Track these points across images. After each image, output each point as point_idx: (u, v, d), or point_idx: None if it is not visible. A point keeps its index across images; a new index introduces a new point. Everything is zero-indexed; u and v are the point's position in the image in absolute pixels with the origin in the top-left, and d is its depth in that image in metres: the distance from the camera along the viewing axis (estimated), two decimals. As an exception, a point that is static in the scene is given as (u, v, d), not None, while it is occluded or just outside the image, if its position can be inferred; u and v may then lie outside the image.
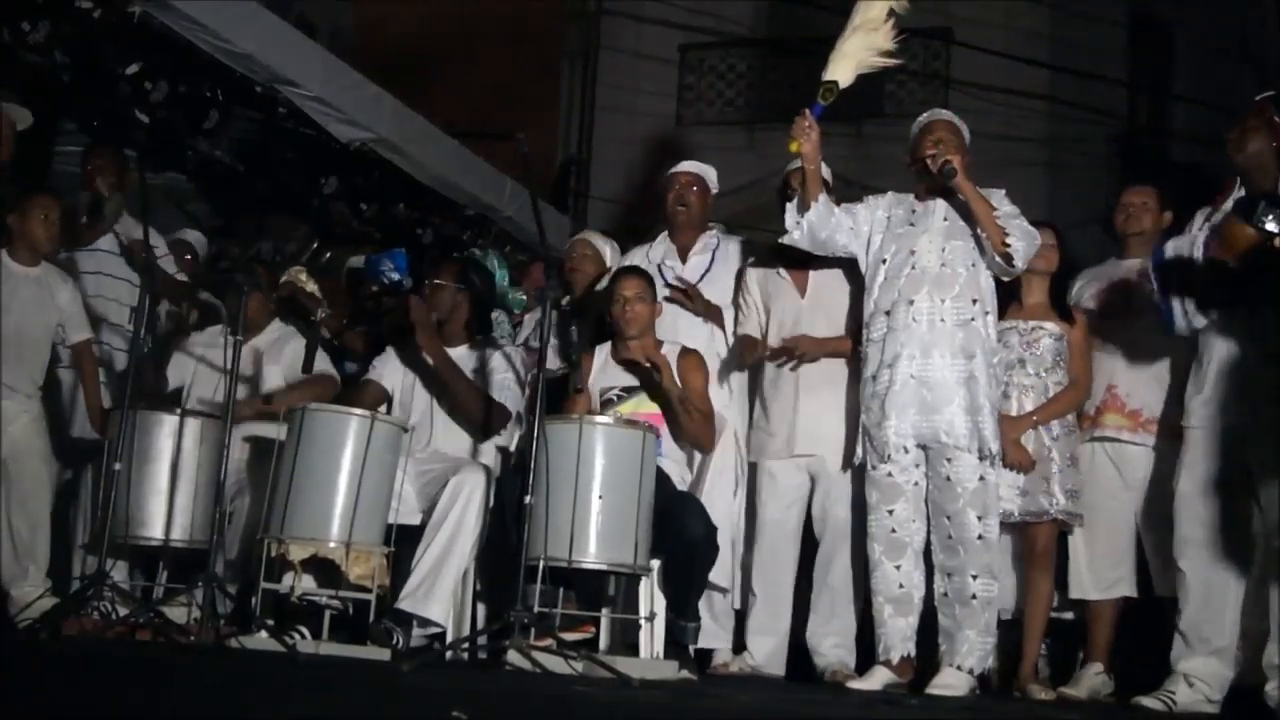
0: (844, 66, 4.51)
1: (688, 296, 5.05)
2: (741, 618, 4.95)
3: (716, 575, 4.73)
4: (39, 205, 5.10)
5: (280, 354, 5.30)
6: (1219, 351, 4.22)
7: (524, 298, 6.35)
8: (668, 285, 5.10)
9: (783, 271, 4.95)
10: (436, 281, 5.01)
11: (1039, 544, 4.71)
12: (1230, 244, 4.02)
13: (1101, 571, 4.78)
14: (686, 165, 5.35)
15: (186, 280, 5.90)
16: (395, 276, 6.04)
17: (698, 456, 4.84)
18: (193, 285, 5.95)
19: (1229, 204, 4.25)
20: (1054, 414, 4.72)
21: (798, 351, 4.80)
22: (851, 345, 4.77)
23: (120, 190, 5.68)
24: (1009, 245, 4.43)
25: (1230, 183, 4.34)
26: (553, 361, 4.58)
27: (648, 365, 4.63)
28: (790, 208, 4.62)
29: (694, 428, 4.70)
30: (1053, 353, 4.77)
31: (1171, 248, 4.29)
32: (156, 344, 4.64)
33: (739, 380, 5.09)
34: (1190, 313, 4.18)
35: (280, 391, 5.12)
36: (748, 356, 4.91)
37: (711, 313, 5.09)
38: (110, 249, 5.65)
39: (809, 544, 4.92)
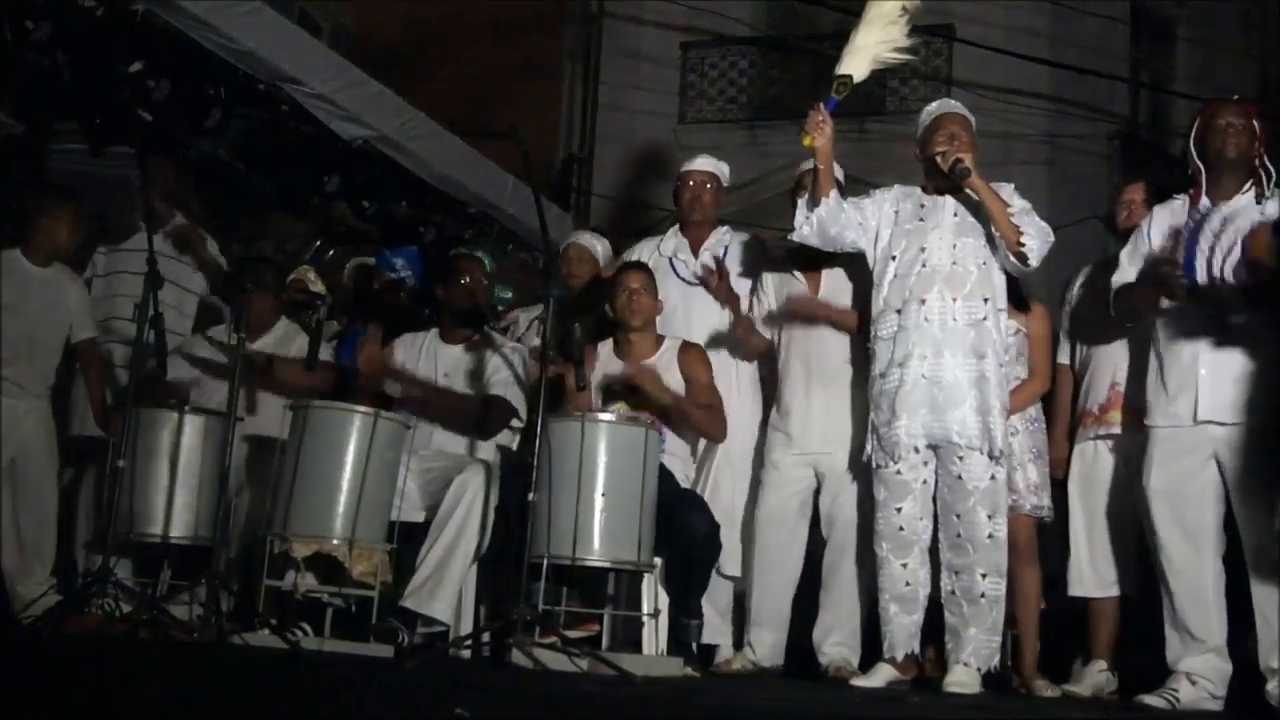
0: (858, 61, 4.49)
1: (716, 275, 5.01)
2: (742, 612, 4.96)
3: (728, 565, 4.74)
4: (71, 211, 5.15)
5: (286, 353, 5.29)
6: (1185, 349, 4.22)
7: (508, 295, 6.36)
8: (696, 269, 5.09)
9: (796, 272, 4.96)
10: (466, 282, 5.03)
11: (1019, 539, 4.70)
12: (1255, 250, 4.01)
13: (1103, 569, 4.78)
14: (700, 163, 5.32)
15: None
16: (402, 274, 6.06)
17: (701, 448, 4.85)
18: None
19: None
20: (1014, 408, 4.70)
21: (801, 309, 4.80)
22: (858, 321, 4.76)
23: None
24: (1023, 245, 4.39)
25: (1198, 179, 4.33)
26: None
27: (634, 385, 4.62)
28: (800, 204, 4.58)
29: (700, 424, 4.71)
30: (1014, 349, 4.78)
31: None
32: (161, 347, 4.64)
33: (750, 373, 5.09)
34: (1217, 266, 4.06)
35: (284, 360, 5.12)
36: (745, 335, 4.91)
37: (730, 299, 5.07)
38: (139, 248, 5.68)
39: (817, 542, 4.92)
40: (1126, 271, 4.44)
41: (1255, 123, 4.30)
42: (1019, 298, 4.82)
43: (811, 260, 4.87)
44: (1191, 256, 4.11)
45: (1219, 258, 4.05)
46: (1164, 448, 4.26)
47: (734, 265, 5.17)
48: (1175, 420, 4.23)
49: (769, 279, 5.06)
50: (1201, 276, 4.10)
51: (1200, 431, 4.19)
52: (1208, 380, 4.18)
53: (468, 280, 5.06)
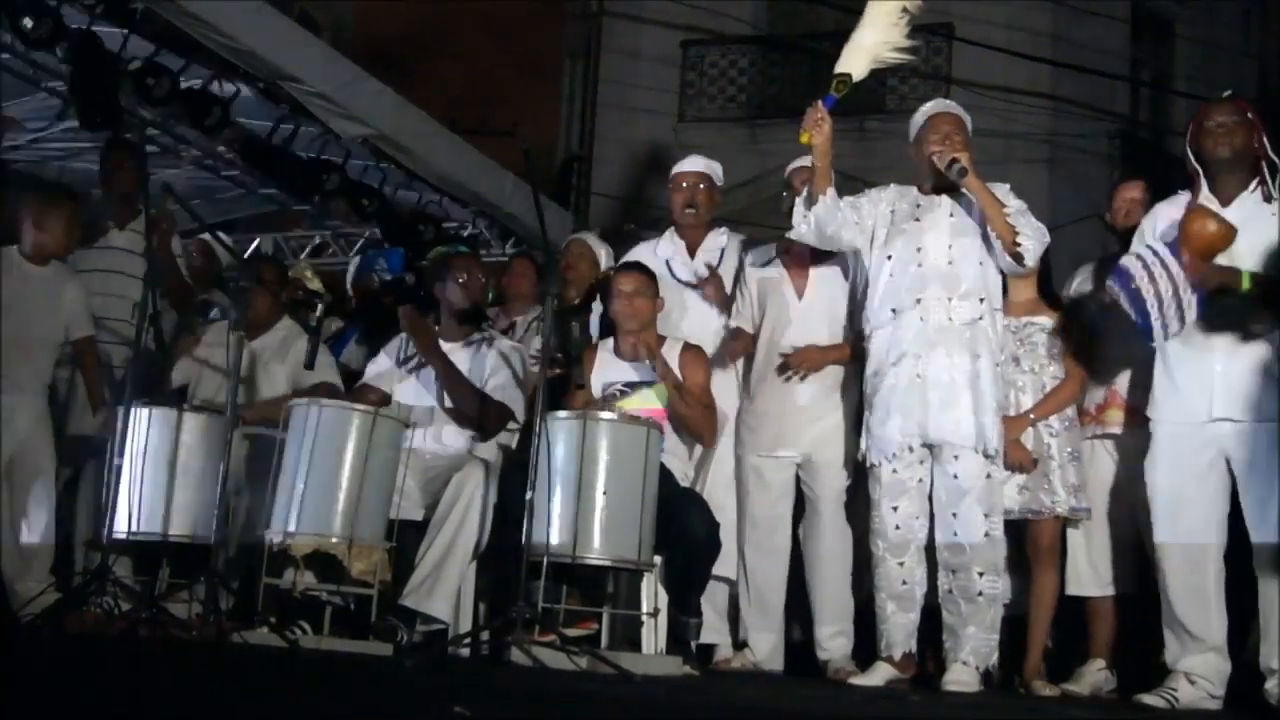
0: (857, 59, 4.47)
1: (710, 284, 5.01)
2: (737, 614, 4.96)
3: (722, 568, 4.74)
4: (66, 208, 5.14)
5: (286, 353, 5.30)
6: (1199, 347, 4.20)
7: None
8: (699, 270, 5.10)
9: (783, 270, 4.95)
10: (463, 280, 5.04)
11: (1043, 540, 4.70)
12: (1194, 241, 3.99)
13: (1101, 568, 4.78)
14: (692, 164, 5.30)
15: (189, 281, 5.92)
16: (388, 276, 6.06)
17: (698, 451, 4.85)
18: (192, 288, 5.96)
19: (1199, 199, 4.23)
20: (1052, 409, 4.70)
21: (803, 364, 4.80)
22: (850, 353, 4.78)
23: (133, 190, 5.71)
24: (1020, 245, 4.38)
25: (1196, 181, 4.31)
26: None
27: (646, 360, 4.63)
28: (798, 202, 4.58)
29: (693, 419, 4.70)
30: (1047, 346, 4.76)
31: (1132, 260, 4.20)
32: (161, 345, 4.64)
33: (733, 367, 5.09)
34: (1173, 317, 4.06)
35: (283, 399, 5.11)
36: (733, 352, 4.91)
37: (724, 303, 5.08)
38: (126, 246, 5.66)
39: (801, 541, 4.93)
40: None
41: (1251, 115, 4.26)
42: (1052, 296, 4.81)
43: (800, 257, 4.87)
44: (1140, 309, 4.09)
45: (1165, 290, 4.04)
46: (1170, 445, 4.24)
47: (731, 265, 5.17)
48: (1187, 416, 4.21)
49: (752, 272, 5.05)
50: (1157, 328, 4.08)
51: (1211, 429, 4.17)
52: (1223, 376, 4.16)
53: (465, 279, 5.06)
